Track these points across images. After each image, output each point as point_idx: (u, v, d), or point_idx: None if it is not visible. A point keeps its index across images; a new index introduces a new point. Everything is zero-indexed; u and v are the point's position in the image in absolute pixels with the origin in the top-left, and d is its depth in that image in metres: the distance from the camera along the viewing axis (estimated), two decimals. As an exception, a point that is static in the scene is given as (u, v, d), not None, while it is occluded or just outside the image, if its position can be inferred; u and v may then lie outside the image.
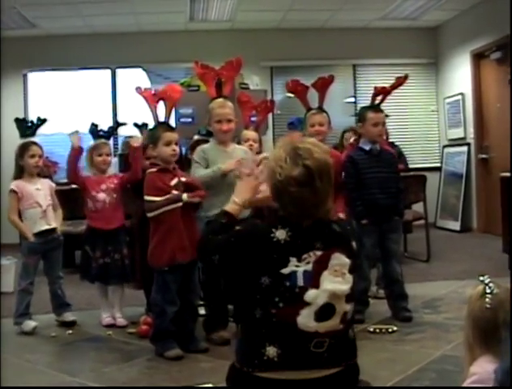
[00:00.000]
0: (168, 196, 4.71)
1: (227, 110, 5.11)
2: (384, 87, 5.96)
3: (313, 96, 5.86)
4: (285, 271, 2.46)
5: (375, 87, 6.06)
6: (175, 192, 4.73)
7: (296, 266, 2.47)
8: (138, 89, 5.27)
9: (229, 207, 2.86)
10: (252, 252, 2.52)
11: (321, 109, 5.63)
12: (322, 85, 5.77)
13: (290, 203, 2.55)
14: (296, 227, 2.54)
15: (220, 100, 5.19)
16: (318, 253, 2.50)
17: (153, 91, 5.28)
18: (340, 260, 2.52)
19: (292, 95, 6.03)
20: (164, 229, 4.73)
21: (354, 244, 2.63)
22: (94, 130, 5.88)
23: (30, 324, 5.50)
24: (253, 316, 2.50)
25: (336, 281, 2.49)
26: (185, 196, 4.71)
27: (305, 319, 2.45)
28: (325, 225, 2.60)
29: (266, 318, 2.48)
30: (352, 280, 2.55)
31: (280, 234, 2.51)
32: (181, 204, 4.70)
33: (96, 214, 5.70)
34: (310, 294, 2.45)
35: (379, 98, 5.87)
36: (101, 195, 5.69)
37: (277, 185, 2.56)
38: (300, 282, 2.46)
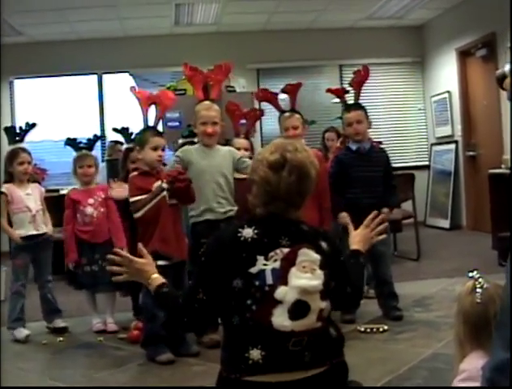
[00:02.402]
0: (145, 197, 4.72)
1: (212, 113, 5.11)
2: (338, 88, 6.01)
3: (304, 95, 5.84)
4: (253, 270, 2.47)
5: (327, 89, 6.13)
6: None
7: (264, 264, 2.48)
8: (132, 89, 5.26)
9: (154, 281, 2.81)
10: (223, 255, 2.54)
11: (293, 111, 5.58)
12: (292, 89, 5.74)
13: (257, 183, 2.63)
14: (262, 225, 2.58)
15: (207, 102, 5.20)
16: (285, 250, 2.51)
17: (147, 94, 5.28)
18: (308, 256, 2.52)
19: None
20: (150, 228, 4.74)
21: (324, 244, 2.62)
22: (71, 144, 5.87)
23: (23, 332, 5.48)
24: (232, 324, 2.51)
25: (304, 277, 2.48)
26: (165, 185, 4.69)
27: (280, 319, 2.44)
28: (291, 224, 2.63)
29: (243, 324, 2.48)
30: (323, 276, 2.54)
31: (247, 233, 2.54)
32: (164, 193, 4.69)
33: (84, 228, 5.70)
34: (280, 292, 2.45)
35: (348, 96, 5.89)
36: (89, 209, 5.70)
37: (257, 164, 2.67)
38: (269, 280, 2.46)
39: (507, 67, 2.42)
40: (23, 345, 5.39)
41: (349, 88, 6.00)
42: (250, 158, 5.61)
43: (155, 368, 4.57)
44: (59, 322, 5.70)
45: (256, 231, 2.54)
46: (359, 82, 5.85)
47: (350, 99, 5.96)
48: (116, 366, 4.68)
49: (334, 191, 5.52)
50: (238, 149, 5.65)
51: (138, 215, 4.79)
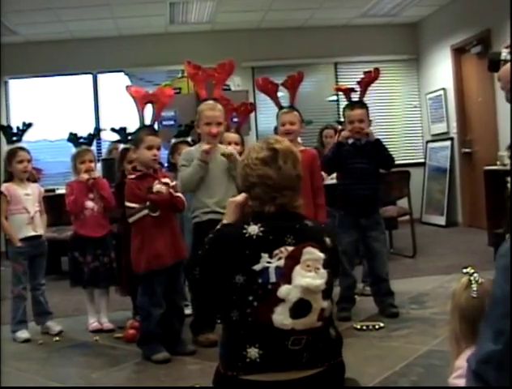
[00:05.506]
0: (138, 206, 4.72)
1: (217, 113, 5.04)
2: (347, 87, 6.03)
3: (299, 92, 5.84)
4: (257, 267, 2.48)
5: (336, 88, 6.11)
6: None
7: (268, 262, 2.49)
8: (128, 88, 5.23)
9: None
10: (226, 250, 2.56)
11: (292, 108, 5.59)
12: (292, 83, 5.73)
13: (257, 184, 2.65)
14: (268, 222, 2.58)
15: (210, 102, 5.12)
16: (290, 248, 2.52)
17: (143, 92, 5.24)
18: (313, 255, 2.52)
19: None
20: (142, 235, 4.74)
21: (328, 240, 2.64)
22: (73, 139, 5.86)
23: (22, 335, 5.46)
24: (231, 318, 2.51)
25: (308, 276, 2.49)
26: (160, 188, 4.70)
27: (281, 317, 2.45)
28: (296, 219, 2.64)
29: (242, 319, 2.49)
30: (326, 276, 2.55)
31: (252, 230, 2.55)
32: (146, 212, 4.68)
33: (84, 222, 5.70)
34: (283, 290, 2.46)
35: (355, 95, 5.88)
36: (89, 203, 5.69)
37: (245, 170, 2.70)
38: (273, 278, 2.48)
39: (505, 52, 2.39)
40: (19, 345, 5.37)
41: (356, 86, 5.96)
42: (240, 154, 5.58)
43: (151, 367, 4.56)
44: (54, 326, 5.67)
45: (262, 228, 2.55)
46: (367, 82, 5.84)
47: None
48: (112, 365, 4.67)
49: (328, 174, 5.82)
50: (229, 143, 5.62)
51: (130, 220, 4.80)
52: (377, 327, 5.13)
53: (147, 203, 4.68)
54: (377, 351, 4.58)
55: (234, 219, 2.79)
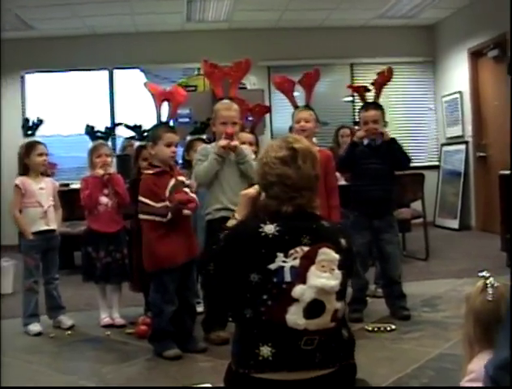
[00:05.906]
0: (157, 206, 4.69)
1: (232, 113, 5.04)
2: (360, 86, 6.02)
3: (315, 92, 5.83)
4: (272, 266, 2.48)
5: (348, 86, 6.06)
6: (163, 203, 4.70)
7: (284, 261, 2.49)
8: (147, 84, 5.23)
9: (231, 224, 2.85)
10: (241, 248, 2.56)
11: (307, 107, 5.58)
12: (308, 81, 5.72)
13: (275, 184, 2.64)
14: (284, 221, 2.58)
15: (227, 101, 5.13)
16: (305, 248, 2.52)
17: (161, 90, 5.25)
18: (328, 255, 2.52)
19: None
20: (153, 232, 4.72)
21: (343, 241, 2.63)
22: (90, 131, 5.87)
23: (34, 328, 5.48)
24: (244, 316, 2.52)
25: (323, 277, 2.49)
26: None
27: (294, 316, 2.45)
28: (313, 220, 2.63)
29: (256, 318, 2.49)
30: (341, 277, 2.54)
31: (268, 229, 2.55)
32: (165, 220, 4.65)
33: (97, 217, 5.71)
34: (297, 290, 2.46)
35: (369, 95, 5.88)
36: (104, 199, 5.70)
37: (263, 168, 2.69)
38: (288, 278, 2.48)
39: None
40: (31, 338, 5.39)
41: (370, 87, 5.94)
42: (255, 153, 5.58)
43: (162, 363, 4.57)
44: (65, 321, 5.69)
45: (278, 228, 2.54)
46: (381, 82, 5.82)
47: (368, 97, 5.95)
48: (123, 361, 4.68)
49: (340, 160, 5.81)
50: (243, 143, 5.62)
51: (140, 217, 4.79)
52: (388, 328, 5.12)
53: (169, 215, 4.67)
54: (388, 353, 4.57)
55: (246, 212, 2.80)
